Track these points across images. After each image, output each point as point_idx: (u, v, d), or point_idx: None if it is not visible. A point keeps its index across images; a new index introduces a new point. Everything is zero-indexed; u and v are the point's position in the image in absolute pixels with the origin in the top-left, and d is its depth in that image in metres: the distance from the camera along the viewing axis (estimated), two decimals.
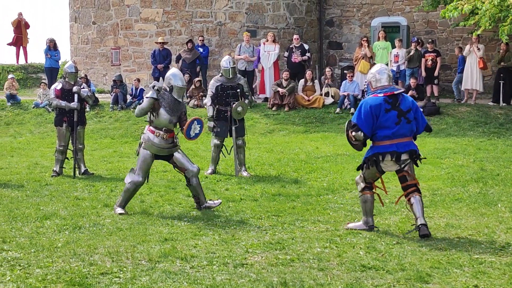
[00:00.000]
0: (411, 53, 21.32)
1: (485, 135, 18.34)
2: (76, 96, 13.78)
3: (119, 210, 10.22)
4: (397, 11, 25.15)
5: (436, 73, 21.50)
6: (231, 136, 13.75)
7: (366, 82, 9.19)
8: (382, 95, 8.76)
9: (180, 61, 22.72)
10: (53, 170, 13.95)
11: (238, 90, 13.63)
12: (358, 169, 9.23)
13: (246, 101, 13.66)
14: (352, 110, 20.86)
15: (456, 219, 9.63)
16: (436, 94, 21.75)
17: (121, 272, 7.22)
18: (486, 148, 16.48)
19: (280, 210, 10.31)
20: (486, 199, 10.89)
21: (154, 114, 10.22)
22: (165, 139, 10.29)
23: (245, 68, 21.78)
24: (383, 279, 6.98)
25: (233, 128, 13.65)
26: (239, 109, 13.28)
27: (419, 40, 22.19)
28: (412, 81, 20.75)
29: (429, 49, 21.70)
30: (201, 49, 23.01)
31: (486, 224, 9.27)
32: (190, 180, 10.41)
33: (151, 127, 10.26)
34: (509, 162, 14.33)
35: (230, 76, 13.63)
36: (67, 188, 12.39)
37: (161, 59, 22.67)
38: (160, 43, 22.89)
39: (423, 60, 21.47)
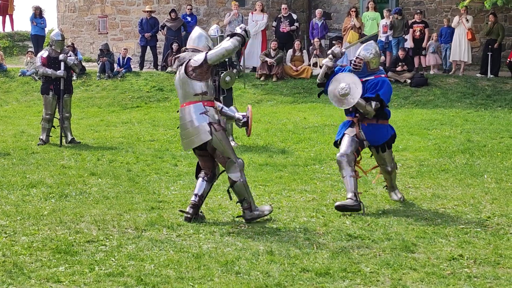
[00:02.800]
0: (390, 20, 21.26)
1: (472, 107, 18.36)
2: (62, 64, 13.68)
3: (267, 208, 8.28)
4: None
5: (424, 44, 21.43)
6: None
7: (358, 58, 8.70)
8: (384, 75, 8.77)
9: (165, 30, 22.52)
10: (39, 138, 13.88)
11: (226, 60, 13.54)
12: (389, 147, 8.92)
13: (234, 70, 13.59)
14: None
15: (442, 190, 9.66)
16: (424, 65, 21.71)
17: (107, 240, 7.22)
18: (473, 119, 16.51)
19: (267, 179, 10.31)
20: (473, 170, 10.93)
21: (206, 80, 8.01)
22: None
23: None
24: (369, 248, 7.01)
25: (221, 98, 13.59)
26: (227, 78, 13.20)
27: (400, 11, 21.98)
28: (400, 52, 20.71)
29: (417, 20, 21.61)
30: (189, 18, 22.83)
31: (472, 195, 9.32)
32: (214, 179, 8.41)
33: (206, 101, 7.99)
34: (496, 134, 14.37)
35: (216, 44, 13.54)
36: (54, 157, 12.34)
37: (149, 28, 22.50)
38: (147, 11, 22.71)
39: (410, 31, 21.39)
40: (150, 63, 23.33)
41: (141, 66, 23.01)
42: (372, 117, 8.58)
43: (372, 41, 9.35)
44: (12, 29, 28.61)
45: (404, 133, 14.39)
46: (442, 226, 7.81)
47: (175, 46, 22.02)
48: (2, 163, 11.68)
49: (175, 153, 12.55)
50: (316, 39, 22.07)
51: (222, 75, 13.18)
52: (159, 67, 22.82)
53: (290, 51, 21.83)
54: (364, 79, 8.62)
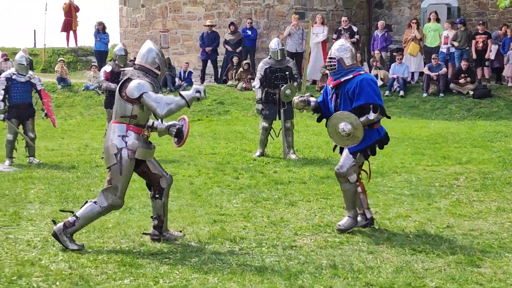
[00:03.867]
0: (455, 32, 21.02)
1: None
2: None
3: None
4: None
5: (487, 56, 21.12)
6: (279, 118, 13.72)
7: (334, 59, 8.09)
8: (364, 72, 8.18)
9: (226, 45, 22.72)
10: (103, 152, 14.05)
11: (287, 73, 13.58)
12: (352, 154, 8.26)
13: (295, 83, 13.59)
14: (401, 92, 20.67)
15: (507, 203, 9.49)
16: (487, 76, 21.40)
17: (171, 253, 7.28)
18: None
19: (328, 192, 10.27)
20: None
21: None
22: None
23: (296, 50, 21.69)
24: (434, 262, 6.92)
25: (282, 110, 13.62)
26: (288, 91, 13.20)
27: (463, 21, 21.70)
28: (463, 64, 20.46)
29: (479, 31, 21.32)
30: (249, 32, 22.98)
31: None
32: (163, 192, 7.85)
33: (133, 125, 7.48)
34: None
35: (279, 58, 13.59)
36: None
37: (209, 42, 22.70)
38: (208, 25, 22.92)
39: (473, 42, 21.12)
40: (211, 77, 23.51)
41: (202, 79, 23.20)
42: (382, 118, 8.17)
43: (342, 39, 9.00)
44: (76, 44, 29.19)
45: (468, 146, 14.20)
46: (509, 240, 7.67)
47: (235, 59, 22.21)
48: (67, 176, 11.89)
49: (236, 166, 12.60)
50: (376, 51, 21.97)
51: (282, 88, 13.20)
52: (219, 80, 22.98)
53: None
54: (343, 79, 8.05)
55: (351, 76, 8.04)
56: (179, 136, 7.91)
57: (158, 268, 6.75)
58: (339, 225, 8.18)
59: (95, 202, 7.47)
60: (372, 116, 7.98)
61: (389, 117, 8.55)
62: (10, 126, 13.44)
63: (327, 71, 8.42)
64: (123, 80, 7.49)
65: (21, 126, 13.62)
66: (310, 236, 7.93)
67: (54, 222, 7.60)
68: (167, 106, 7.22)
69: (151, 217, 7.85)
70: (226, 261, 6.97)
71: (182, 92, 7.42)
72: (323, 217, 8.79)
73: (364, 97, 7.94)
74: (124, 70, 7.72)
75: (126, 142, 7.41)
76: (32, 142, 13.51)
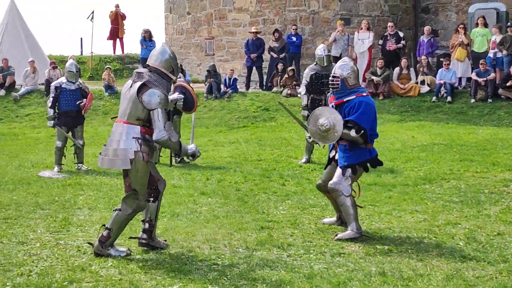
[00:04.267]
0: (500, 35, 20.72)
1: None
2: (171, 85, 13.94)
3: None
4: None
5: None
6: None
7: (337, 77, 8.21)
8: (366, 94, 8.33)
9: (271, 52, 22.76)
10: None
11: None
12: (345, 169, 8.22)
13: None
14: (449, 98, 20.45)
15: None
16: None
17: (219, 259, 7.29)
18: None
19: (376, 199, 10.21)
20: None
21: None
22: None
23: (340, 55, 21.60)
24: (485, 270, 6.83)
25: None
26: None
27: None
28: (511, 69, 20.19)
29: None
30: (294, 38, 22.97)
31: None
32: (159, 195, 7.85)
33: (146, 128, 7.42)
34: None
35: (325, 64, 13.54)
36: (164, 176, 12.32)
37: (255, 49, 22.74)
38: (253, 32, 22.97)
39: None
40: (256, 83, 23.55)
41: (247, 86, 23.26)
42: (361, 143, 8.15)
43: (345, 57, 9.07)
44: (123, 52, 29.50)
45: None
46: None
47: (280, 66, 22.21)
48: (115, 182, 11.99)
49: (282, 173, 12.60)
50: (423, 57, 21.79)
51: (328, 94, 13.14)
52: (264, 87, 23.01)
53: (397, 69, 21.63)
54: (345, 99, 8.19)
55: (353, 96, 8.20)
56: (188, 105, 8.19)
57: (206, 274, 6.77)
58: (337, 235, 8.13)
59: (119, 210, 7.45)
60: (353, 133, 8.06)
61: (378, 163, 8.51)
62: (60, 133, 13.61)
63: (332, 87, 8.34)
64: (140, 84, 7.30)
65: (70, 133, 13.79)
66: (358, 244, 7.89)
67: (91, 244, 7.58)
68: (165, 137, 7.28)
69: (142, 220, 7.76)
70: (274, 268, 6.97)
71: (184, 144, 7.66)
72: (371, 224, 8.74)
73: (356, 116, 8.06)
74: (140, 72, 7.43)
75: (140, 145, 7.33)
76: (81, 147, 13.67)
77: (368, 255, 7.43)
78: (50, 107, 13.58)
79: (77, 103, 13.64)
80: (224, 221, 9.02)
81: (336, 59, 20.27)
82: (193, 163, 13.88)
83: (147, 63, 7.51)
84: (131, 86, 7.41)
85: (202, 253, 7.50)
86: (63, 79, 13.80)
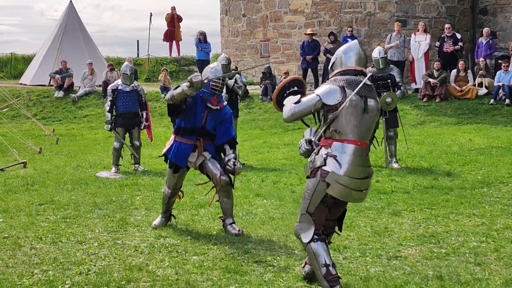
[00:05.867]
0: None
1: None
2: (224, 87, 14.01)
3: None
4: None
5: None
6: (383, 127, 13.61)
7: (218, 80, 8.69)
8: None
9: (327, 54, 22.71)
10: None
11: (389, 81, 13.42)
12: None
13: (398, 92, 13.39)
14: (507, 101, 20.12)
15: None
16: None
17: (275, 260, 7.30)
18: None
19: (433, 202, 10.09)
20: None
21: None
22: None
23: (397, 59, 21.42)
24: None
25: (384, 119, 13.48)
26: (388, 100, 13.05)
27: None
28: None
29: None
30: (350, 40, 22.82)
31: None
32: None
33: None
34: None
35: (381, 66, 13.47)
36: None
37: (310, 51, 22.70)
38: (309, 34, 22.93)
39: None
40: (311, 85, 23.50)
41: None
42: None
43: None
44: (179, 54, 29.74)
45: None
46: None
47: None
48: None
49: None
50: (481, 59, 21.49)
51: (382, 96, 13.06)
52: None
53: (454, 71, 21.36)
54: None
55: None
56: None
57: (262, 276, 6.78)
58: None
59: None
60: None
61: None
62: (117, 136, 13.79)
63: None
64: None
65: (127, 135, 13.97)
66: (415, 247, 7.81)
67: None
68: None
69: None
70: None
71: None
72: (428, 228, 8.65)
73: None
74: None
75: None
76: (136, 153, 13.83)
77: (425, 258, 7.35)
78: (108, 111, 13.78)
79: (142, 128, 13.96)
80: (279, 222, 9.03)
81: (391, 62, 20.23)
82: (248, 165, 13.91)
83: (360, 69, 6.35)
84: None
85: (258, 254, 7.52)
86: (119, 82, 13.99)
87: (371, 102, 6.25)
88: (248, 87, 23.57)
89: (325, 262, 6.17)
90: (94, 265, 7.20)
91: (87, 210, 9.93)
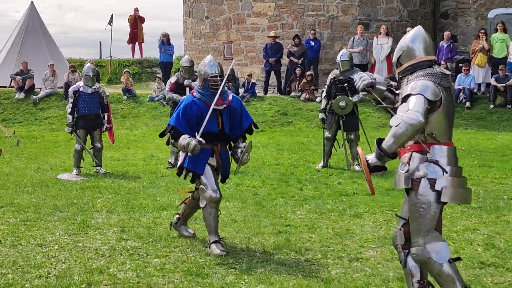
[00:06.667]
0: None
1: None
2: (187, 89, 14.00)
3: None
4: None
5: None
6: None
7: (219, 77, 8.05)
8: None
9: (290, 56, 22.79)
10: (168, 162, 14.22)
11: (346, 84, 13.48)
12: None
13: (356, 96, 13.39)
14: (467, 104, 20.35)
15: None
16: None
17: (237, 263, 7.29)
18: None
19: (394, 204, 10.16)
20: None
21: None
22: None
23: (360, 62, 21.54)
24: (504, 277, 6.79)
25: (341, 122, 13.54)
26: (342, 104, 13.17)
27: None
28: None
29: None
30: (312, 43, 22.95)
31: None
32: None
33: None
34: None
35: (341, 69, 13.59)
36: (182, 180, 12.48)
37: (273, 53, 22.75)
38: (272, 37, 22.97)
39: None
40: (274, 88, 23.57)
41: (265, 90, 23.28)
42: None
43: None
44: (141, 55, 29.61)
45: None
46: None
47: (298, 71, 22.20)
48: (133, 186, 12.03)
49: (300, 177, 12.59)
50: (442, 62, 21.66)
51: (336, 99, 13.17)
52: (282, 91, 23.01)
53: None
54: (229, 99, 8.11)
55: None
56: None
57: (224, 278, 6.77)
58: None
59: None
60: None
61: None
62: (77, 138, 13.67)
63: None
64: None
65: (89, 137, 13.85)
66: (376, 248, 7.87)
67: None
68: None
69: None
70: (291, 272, 6.96)
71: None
72: (389, 229, 8.70)
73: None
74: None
75: None
76: (98, 155, 13.73)
77: (386, 260, 7.40)
78: (70, 113, 13.63)
79: (103, 130, 13.83)
80: (241, 225, 9.03)
81: (355, 65, 20.34)
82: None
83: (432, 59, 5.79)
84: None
85: (220, 257, 7.50)
86: (81, 83, 13.87)
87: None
88: None
89: (464, 285, 5.48)
90: (54, 268, 7.13)
91: (47, 213, 9.83)
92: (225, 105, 7.97)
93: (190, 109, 7.83)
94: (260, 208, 10.09)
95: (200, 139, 7.64)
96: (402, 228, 5.85)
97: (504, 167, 13.01)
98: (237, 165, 8.16)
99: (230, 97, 8.13)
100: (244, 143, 8.21)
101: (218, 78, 7.94)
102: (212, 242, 7.71)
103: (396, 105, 5.74)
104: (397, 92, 6.00)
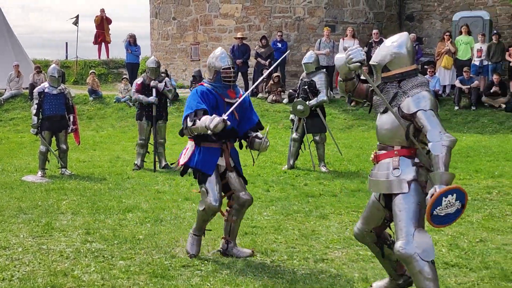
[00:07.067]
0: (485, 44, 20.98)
1: None
2: (154, 90, 13.95)
3: None
4: (479, 5, 24.65)
5: None
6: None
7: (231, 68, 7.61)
8: None
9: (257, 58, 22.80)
10: (134, 163, 14.16)
11: (306, 87, 13.52)
12: None
13: (314, 99, 13.35)
14: None
15: None
16: None
17: (203, 265, 7.28)
18: None
19: (360, 206, 10.21)
20: None
21: None
22: None
23: (327, 64, 21.61)
24: (467, 277, 6.85)
25: (303, 124, 13.58)
26: (300, 107, 13.24)
27: (498, 33, 21.61)
28: (495, 77, 20.31)
29: None
30: (279, 45, 23.00)
31: None
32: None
33: None
34: None
35: (305, 71, 13.69)
36: (148, 182, 12.56)
37: (240, 55, 22.75)
38: (239, 38, 22.98)
39: (506, 54, 21.01)
40: (242, 89, 23.52)
41: None
42: None
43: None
44: (108, 56, 29.44)
45: (500, 159, 14.07)
46: None
47: (265, 72, 22.22)
48: (99, 187, 11.96)
49: (267, 179, 12.61)
50: None
51: (293, 102, 13.26)
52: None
53: None
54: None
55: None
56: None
57: (189, 280, 6.75)
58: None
59: None
60: None
61: None
62: (43, 140, 13.55)
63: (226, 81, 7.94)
64: None
65: (54, 139, 13.74)
66: (341, 249, 7.90)
67: None
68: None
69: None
70: (257, 274, 6.96)
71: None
72: None
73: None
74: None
75: None
76: (63, 157, 13.62)
77: (351, 261, 7.43)
78: (35, 114, 13.49)
79: (69, 131, 13.71)
80: (208, 226, 8.98)
81: (323, 67, 20.42)
82: (178, 169, 13.84)
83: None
84: None
85: (186, 259, 7.48)
86: (46, 84, 13.75)
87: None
88: (178, 90, 23.45)
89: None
90: (18, 271, 7.06)
91: (11, 215, 9.73)
92: (238, 99, 7.52)
93: (207, 96, 7.38)
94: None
95: (226, 117, 7.12)
96: (373, 231, 6.00)
97: (468, 168, 13.14)
98: (257, 152, 7.88)
99: (241, 92, 7.78)
100: (261, 132, 7.82)
101: (232, 70, 7.56)
102: (194, 234, 7.62)
103: (375, 102, 5.91)
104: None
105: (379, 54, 5.84)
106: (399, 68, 5.73)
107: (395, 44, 5.78)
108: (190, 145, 7.61)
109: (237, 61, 22.59)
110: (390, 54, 5.75)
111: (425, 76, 21.09)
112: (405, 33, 5.96)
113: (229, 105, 7.42)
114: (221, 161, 7.58)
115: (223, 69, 7.50)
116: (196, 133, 7.26)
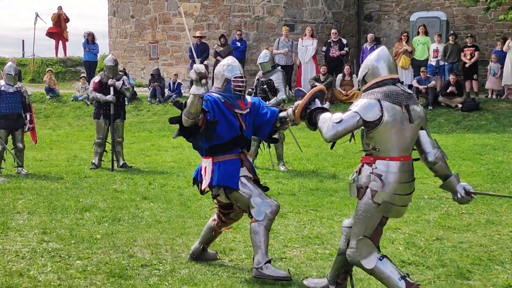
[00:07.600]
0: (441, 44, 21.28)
1: None
2: (111, 89, 13.85)
3: None
4: (436, 6, 24.91)
5: (474, 67, 21.30)
6: None
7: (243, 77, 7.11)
8: None
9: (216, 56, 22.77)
10: (92, 162, 14.05)
11: (264, 86, 13.53)
12: None
13: (274, 98, 13.35)
14: None
15: (496, 216, 9.50)
16: (475, 89, 21.50)
17: (161, 264, 7.25)
18: None
19: (318, 204, 10.27)
20: None
21: None
22: None
23: (285, 63, 21.66)
24: (423, 275, 6.92)
25: None
26: None
27: (454, 34, 21.90)
28: (451, 77, 20.54)
29: (468, 44, 21.51)
30: (238, 44, 22.99)
31: None
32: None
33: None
34: None
35: (262, 70, 13.68)
36: (106, 181, 12.47)
37: (199, 53, 22.68)
38: (197, 37, 22.91)
39: (462, 54, 21.29)
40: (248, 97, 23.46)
41: None
42: None
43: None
44: (65, 54, 29.14)
45: (456, 158, 14.23)
46: (498, 253, 7.68)
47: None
48: (56, 187, 11.84)
49: None
50: None
51: None
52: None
53: (339, 76, 21.83)
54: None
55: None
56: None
57: (147, 280, 6.72)
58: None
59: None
60: None
61: None
62: None
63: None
64: None
65: (10, 137, 13.57)
66: (300, 248, 7.92)
67: None
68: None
69: None
70: (215, 273, 6.95)
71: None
72: (312, 229, 8.78)
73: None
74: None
75: None
76: (19, 155, 13.46)
77: (310, 259, 7.46)
78: None
79: (25, 130, 13.54)
80: (166, 226, 8.97)
81: (281, 66, 20.44)
82: (136, 168, 13.80)
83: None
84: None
85: (144, 258, 7.45)
86: (2, 82, 13.58)
87: (415, 109, 5.86)
88: (136, 89, 23.32)
89: (400, 275, 5.82)
90: None
91: None
92: (248, 109, 7.10)
93: (216, 104, 6.90)
94: (185, 209, 10.05)
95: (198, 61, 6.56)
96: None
97: (424, 167, 13.09)
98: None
99: (249, 99, 7.24)
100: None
101: (244, 79, 7.06)
102: (267, 262, 6.73)
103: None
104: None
105: (360, 70, 6.09)
106: (374, 79, 5.90)
107: (372, 57, 5.99)
108: (206, 163, 7.06)
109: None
110: (366, 67, 5.98)
111: None
112: (382, 47, 6.17)
113: (236, 114, 6.99)
114: (245, 172, 7.02)
115: (234, 77, 6.98)
116: (193, 118, 6.61)
